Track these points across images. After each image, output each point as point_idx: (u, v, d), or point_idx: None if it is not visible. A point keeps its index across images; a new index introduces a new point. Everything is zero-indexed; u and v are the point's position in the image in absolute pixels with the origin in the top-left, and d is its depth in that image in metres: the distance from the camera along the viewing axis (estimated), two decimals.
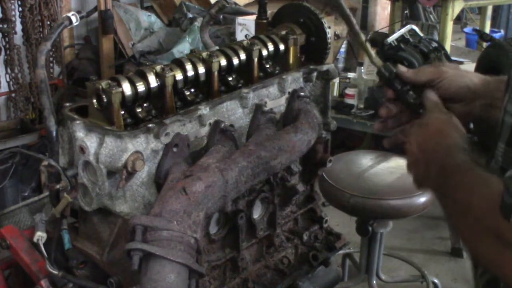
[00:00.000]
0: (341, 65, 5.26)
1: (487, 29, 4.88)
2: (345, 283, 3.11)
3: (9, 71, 4.31)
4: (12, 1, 4.16)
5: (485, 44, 3.64)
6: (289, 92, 1.61)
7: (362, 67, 4.18)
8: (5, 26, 4.17)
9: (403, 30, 3.30)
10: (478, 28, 4.86)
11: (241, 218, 1.53)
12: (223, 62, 1.54)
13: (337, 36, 5.04)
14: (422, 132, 1.15)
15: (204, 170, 1.28)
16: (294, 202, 1.74)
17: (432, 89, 1.24)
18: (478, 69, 3.03)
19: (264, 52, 1.63)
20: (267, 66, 1.66)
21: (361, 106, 3.97)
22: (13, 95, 4.39)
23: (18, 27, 4.28)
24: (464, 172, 1.01)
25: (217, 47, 1.70)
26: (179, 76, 1.45)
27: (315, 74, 1.69)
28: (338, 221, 3.33)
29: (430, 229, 3.73)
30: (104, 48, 4.67)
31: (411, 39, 3.26)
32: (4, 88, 4.35)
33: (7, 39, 4.22)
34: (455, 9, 4.06)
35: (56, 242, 1.48)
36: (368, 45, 1.30)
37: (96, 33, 4.92)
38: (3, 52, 4.23)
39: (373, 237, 2.85)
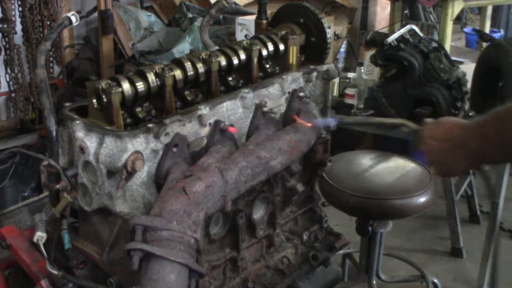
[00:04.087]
0: (341, 65, 5.26)
1: (487, 29, 4.88)
2: (345, 283, 3.10)
3: (9, 71, 4.31)
4: (12, 1, 4.16)
5: (485, 44, 3.63)
6: (289, 92, 1.61)
7: (362, 67, 4.18)
8: (5, 26, 4.16)
9: (403, 30, 3.30)
10: (478, 28, 4.86)
11: (241, 218, 1.53)
12: (223, 62, 1.54)
13: (337, 36, 5.04)
14: (438, 128, 1.24)
15: (204, 170, 1.28)
16: (294, 202, 1.74)
17: None
18: (478, 69, 3.03)
19: (264, 52, 1.63)
20: (267, 66, 1.66)
21: (361, 106, 3.97)
22: (13, 95, 4.38)
23: (18, 27, 4.27)
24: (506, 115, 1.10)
25: (217, 47, 1.70)
26: (179, 76, 1.45)
27: (315, 74, 1.69)
28: (338, 221, 3.32)
29: (430, 229, 3.73)
30: (104, 48, 4.66)
31: (411, 39, 3.26)
32: (4, 88, 4.35)
33: (7, 39, 4.21)
34: (455, 9, 4.07)
35: (56, 242, 1.48)
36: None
37: (96, 33, 4.91)
38: (3, 52, 4.22)
39: (373, 237, 2.85)
